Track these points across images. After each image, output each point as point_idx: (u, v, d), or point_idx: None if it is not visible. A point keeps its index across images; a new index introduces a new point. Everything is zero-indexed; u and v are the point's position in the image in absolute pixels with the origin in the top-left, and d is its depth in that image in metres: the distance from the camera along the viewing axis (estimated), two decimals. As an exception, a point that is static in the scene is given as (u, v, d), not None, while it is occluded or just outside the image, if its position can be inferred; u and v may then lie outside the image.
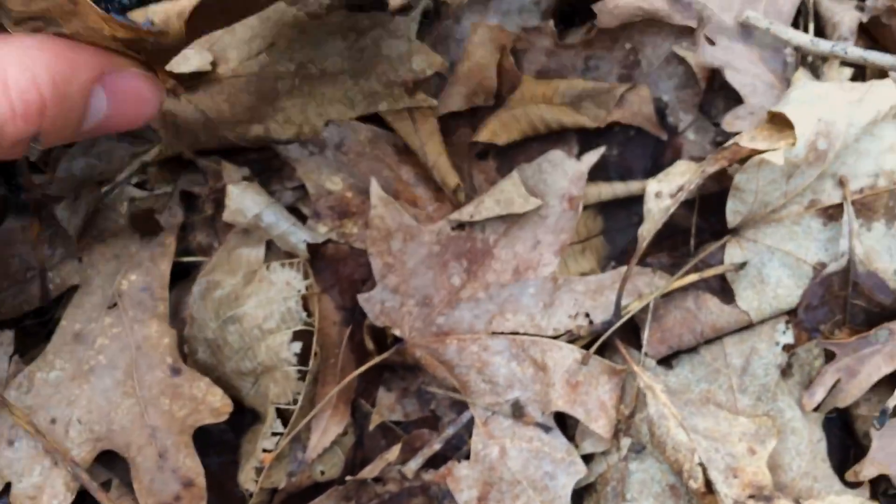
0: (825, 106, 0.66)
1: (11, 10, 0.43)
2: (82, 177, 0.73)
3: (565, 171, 0.73)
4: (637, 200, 0.74)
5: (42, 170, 0.71)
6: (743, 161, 0.67)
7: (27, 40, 0.43)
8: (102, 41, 0.46)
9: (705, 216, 0.75)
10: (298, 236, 0.74)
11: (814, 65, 0.75)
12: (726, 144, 0.69)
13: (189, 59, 0.68)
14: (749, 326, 0.71)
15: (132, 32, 0.45)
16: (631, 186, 0.76)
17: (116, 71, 0.48)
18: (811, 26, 0.77)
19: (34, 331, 0.76)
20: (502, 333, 0.71)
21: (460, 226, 0.73)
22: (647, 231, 0.69)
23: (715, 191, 0.72)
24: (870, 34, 0.77)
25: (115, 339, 0.72)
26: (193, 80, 0.69)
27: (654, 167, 0.77)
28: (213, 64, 0.69)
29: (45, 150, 0.62)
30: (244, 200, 0.73)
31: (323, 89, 0.72)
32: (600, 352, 0.70)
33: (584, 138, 0.77)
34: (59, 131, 0.46)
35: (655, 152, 0.78)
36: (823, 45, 0.72)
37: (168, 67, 0.55)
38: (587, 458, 0.70)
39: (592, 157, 0.73)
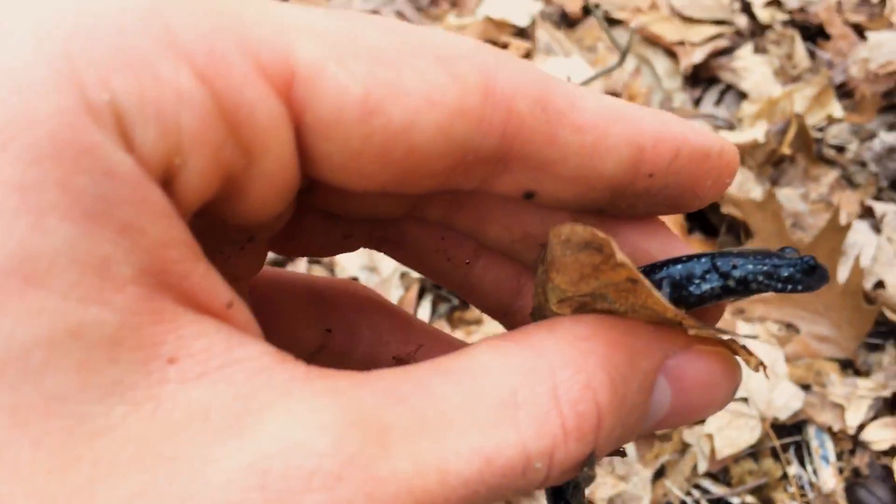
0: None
1: (559, 287, 0.36)
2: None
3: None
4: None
5: None
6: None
7: (576, 328, 0.35)
8: (658, 318, 0.37)
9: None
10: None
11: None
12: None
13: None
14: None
15: (699, 329, 0.37)
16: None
17: (681, 352, 0.38)
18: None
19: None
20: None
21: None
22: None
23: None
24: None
25: None
26: None
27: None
28: None
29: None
30: None
31: None
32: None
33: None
34: (615, 443, 0.35)
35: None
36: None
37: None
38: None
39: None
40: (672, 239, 0.43)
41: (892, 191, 1.81)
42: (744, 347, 0.40)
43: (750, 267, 0.39)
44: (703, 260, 0.40)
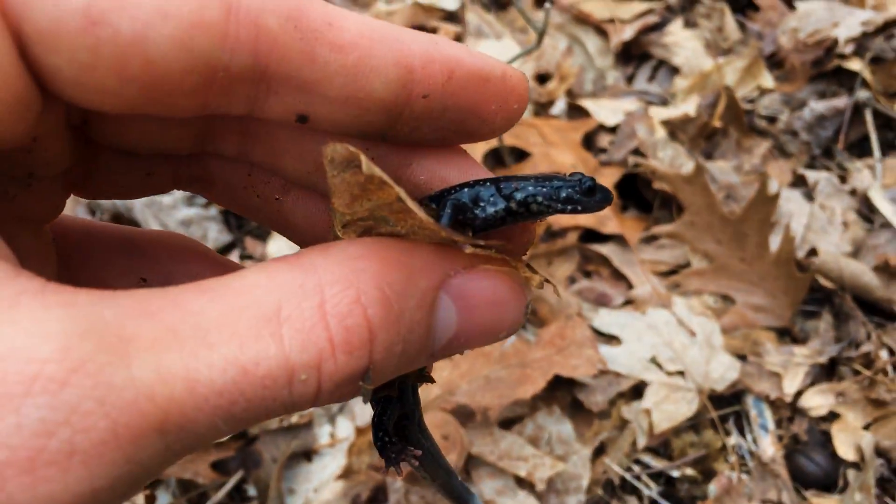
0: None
1: (336, 209, 0.36)
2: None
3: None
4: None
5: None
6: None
7: (351, 248, 0.34)
8: (443, 239, 0.37)
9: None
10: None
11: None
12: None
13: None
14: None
15: (470, 247, 0.37)
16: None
17: (464, 271, 0.37)
18: None
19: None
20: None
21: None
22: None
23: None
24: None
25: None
26: None
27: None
28: None
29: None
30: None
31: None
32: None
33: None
34: (398, 360, 0.34)
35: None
36: None
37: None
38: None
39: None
40: (472, 166, 0.43)
41: (824, 158, 1.82)
42: (528, 266, 0.41)
43: (531, 189, 0.40)
44: (489, 184, 0.40)
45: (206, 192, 0.47)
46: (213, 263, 0.51)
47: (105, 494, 0.26)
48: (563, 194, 0.40)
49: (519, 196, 0.40)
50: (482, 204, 0.40)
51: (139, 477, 0.28)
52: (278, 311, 0.31)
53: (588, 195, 0.40)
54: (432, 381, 0.48)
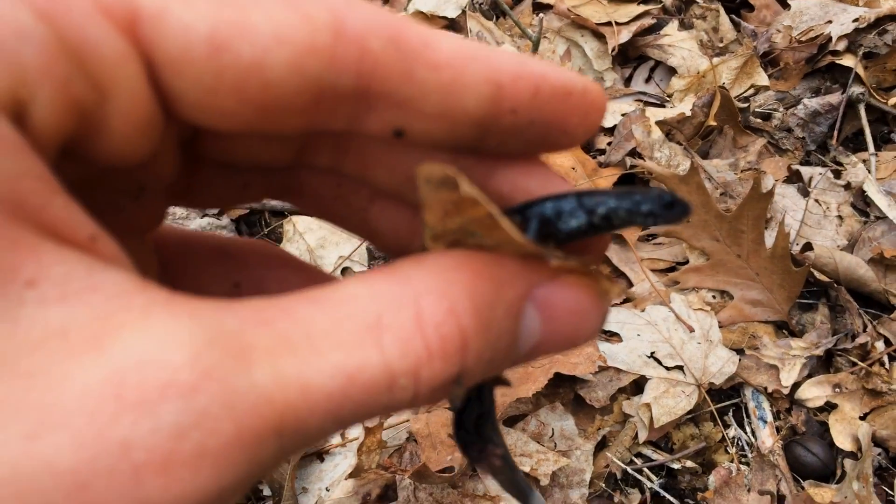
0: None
1: (428, 224, 0.37)
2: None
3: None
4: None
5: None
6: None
7: (443, 260, 0.36)
8: (529, 252, 0.38)
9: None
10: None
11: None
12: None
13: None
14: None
15: (555, 260, 0.39)
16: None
17: (548, 282, 0.39)
18: None
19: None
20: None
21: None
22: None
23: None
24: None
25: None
26: None
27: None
28: None
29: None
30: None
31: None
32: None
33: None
34: (486, 366, 0.36)
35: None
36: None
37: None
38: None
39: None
40: (552, 177, 0.44)
41: (819, 153, 1.85)
42: (607, 278, 0.42)
43: (612, 203, 0.40)
44: (571, 198, 0.41)
45: (296, 201, 0.50)
46: (298, 269, 0.54)
47: (229, 492, 0.28)
48: (645, 208, 0.40)
49: (601, 210, 0.40)
50: (565, 217, 0.41)
51: (257, 475, 0.30)
52: (379, 320, 0.33)
53: (669, 209, 0.40)
54: (509, 384, 0.49)
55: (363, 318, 0.32)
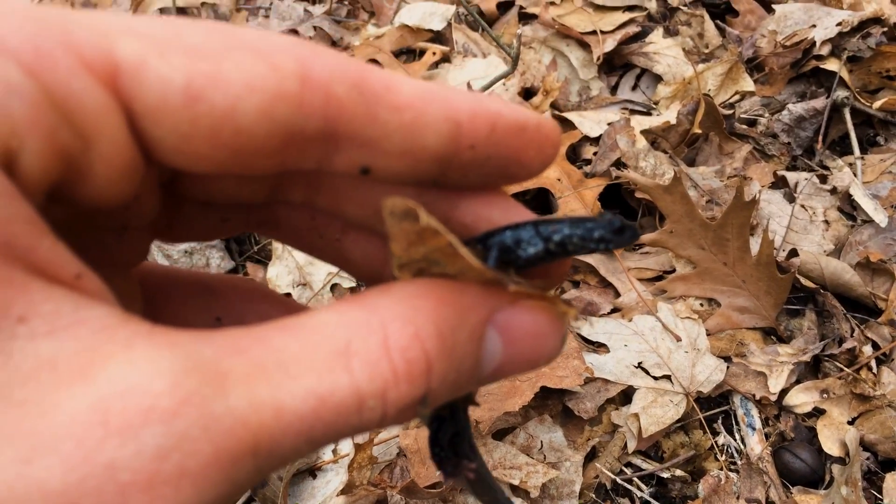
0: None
1: (395, 254, 0.40)
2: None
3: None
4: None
5: None
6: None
7: (409, 288, 0.39)
8: (490, 279, 0.41)
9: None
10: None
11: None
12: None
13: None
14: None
15: (513, 285, 0.42)
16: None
17: (508, 307, 0.42)
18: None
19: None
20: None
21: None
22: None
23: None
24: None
25: None
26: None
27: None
28: None
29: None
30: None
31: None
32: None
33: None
34: (451, 387, 0.39)
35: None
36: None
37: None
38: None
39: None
40: (512, 207, 0.47)
41: (806, 158, 1.86)
42: (565, 302, 0.44)
43: (566, 231, 0.43)
44: (528, 227, 0.44)
45: (273, 233, 0.53)
46: (276, 302, 0.56)
47: None
48: (597, 234, 0.43)
49: (556, 238, 0.43)
50: (523, 245, 0.43)
51: (234, 494, 0.32)
52: (348, 346, 0.35)
53: (619, 234, 0.43)
54: (477, 404, 0.53)
55: (333, 344, 0.35)
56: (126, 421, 0.29)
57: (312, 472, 1.47)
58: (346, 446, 1.48)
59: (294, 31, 2.17)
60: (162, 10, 2.45)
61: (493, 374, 0.42)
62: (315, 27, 2.20)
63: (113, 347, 0.30)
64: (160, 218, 0.47)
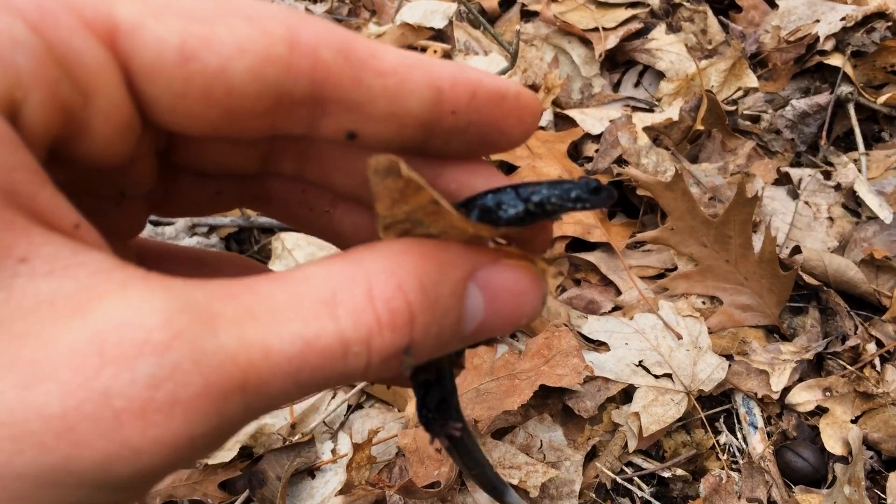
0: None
1: (379, 214, 0.41)
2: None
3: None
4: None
5: None
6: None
7: (393, 245, 0.41)
8: (471, 238, 0.43)
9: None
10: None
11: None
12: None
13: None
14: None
15: (495, 234, 0.44)
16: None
17: (490, 265, 0.44)
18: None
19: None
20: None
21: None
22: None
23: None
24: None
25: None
26: None
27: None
28: None
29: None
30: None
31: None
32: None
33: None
34: (434, 340, 0.41)
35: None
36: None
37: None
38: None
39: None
40: (495, 175, 0.49)
41: (809, 155, 1.84)
42: (543, 259, 0.47)
43: (545, 192, 0.45)
44: (509, 190, 0.46)
45: (265, 208, 0.55)
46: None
47: (199, 442, 0.32)
48: (573, 194, 0.45)
49: (535, 198, 0.45)
50: (504, 206, 0.45)
51: (225, 430, 0.34)
52: (334, 296, 0.37)
53: (595, 194, 0.45)
54: (463, 367, 0.55)
55: (320, 293, 0.37)
56: (121, 352, 0.31)
57: (311, 472, 1.46)
58: (344, 446, 1.48)
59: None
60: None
61: (477, 331, 0.44)
62: (316, 26, 2.20)
63: (109, 287, 0.33)
64: (156, 190, 0.49)
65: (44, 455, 0.30)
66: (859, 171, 1.77)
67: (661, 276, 1.67)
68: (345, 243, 0.55)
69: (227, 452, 1.45)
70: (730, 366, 1.52)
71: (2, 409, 0.29)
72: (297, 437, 1.47)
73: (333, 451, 1.47)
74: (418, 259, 0.40)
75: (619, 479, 1.42)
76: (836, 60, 1.88)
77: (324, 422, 1.52)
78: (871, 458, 1.43)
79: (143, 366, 0.31)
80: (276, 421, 1.53)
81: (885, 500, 1.38)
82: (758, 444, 1.45)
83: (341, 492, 1.37)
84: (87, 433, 0.30)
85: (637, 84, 2.02)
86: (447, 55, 2.10)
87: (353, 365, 0.37)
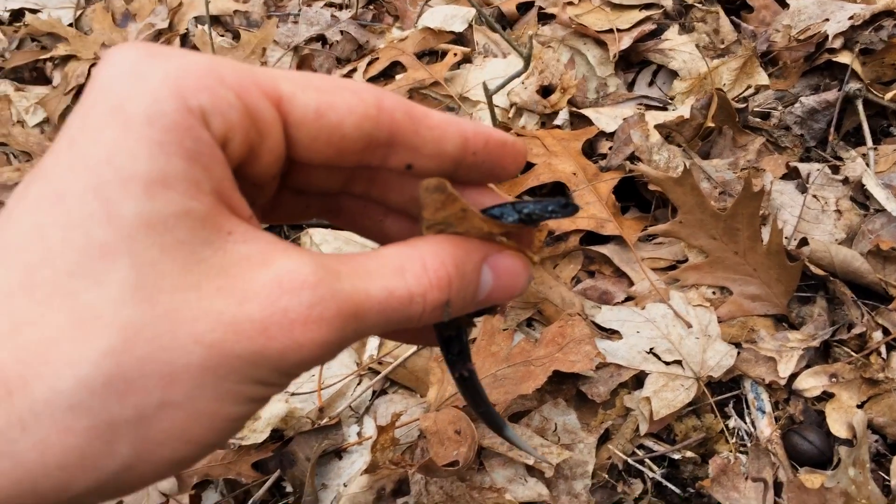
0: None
1: (425, 218, 0.60)
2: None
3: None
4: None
5: None
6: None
7: (436, 237, 0.60)
8: (485, 237, 0.62)
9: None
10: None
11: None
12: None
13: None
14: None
15: (502, 227, 0.62)
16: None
17: (497, 253, 0.63)
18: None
19: None
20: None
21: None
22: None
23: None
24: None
25: None
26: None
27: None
28: None
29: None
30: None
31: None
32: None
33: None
34: (462, 300, 0.60)
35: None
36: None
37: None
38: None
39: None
40: (497, 197, 0.68)
41: (819, 150, 1.90)
42: (531, 253, 0.67)
43: (531, 207, 0.63)
44: (508, 205, 0.64)
45: (335, 219, 0.75)
46: None
47: (332, 346, 0.50)
48: (549, 208, 0.64)
49: (525, 211, 0.63)
50: (505, 216, 0.63)
51: (344, 343, 0.51)
52: (402, 266, 0.56)
53: (564, 208, 0.64)
54: (475, 325, 0.74)
55: (395, 264, 0.56)
56: (292, 287, 0.48)
57: (338, 453, 1.55)
58: (369, 429, 1.56)
59: (322, 36, 2.26)
60: (196, 18, 2.56)
61: (486, 298, 0.63)
62: (342, 31, 2.29)
63: (278, 250, 0.50)
64: (270, 200, 0.67)
65: (251, 343, 0.46)
66: (867, 165, 1.81)
67: (672, 267, 1.73)
68: (388, 242, 0.72)
69: (260, 434, 1.54)
70: (738, 353, 1.57)
71: (229, 317, 0.45)
72: (324, 421, 1.56)
73: (359, 434, 1.56)
74: (453, 247, 0.59)
75: (630, 461, 1.48)
76: (844, 58, 1.92)
77: (350, 406, 1.61)
78: (876, 441, 1.48)
79: (304, 296, 0.48)
80: (305, 405, 1.62)
81: (888, 481, 1.44)
82: (765, 427, 1.51)
83: (366, 471, 1.45)
84: (274, 332, 0.47)
85: (651, 83, 2.08)
86: (467, 58, 2.17)
87: (414, 311, 0.55)
